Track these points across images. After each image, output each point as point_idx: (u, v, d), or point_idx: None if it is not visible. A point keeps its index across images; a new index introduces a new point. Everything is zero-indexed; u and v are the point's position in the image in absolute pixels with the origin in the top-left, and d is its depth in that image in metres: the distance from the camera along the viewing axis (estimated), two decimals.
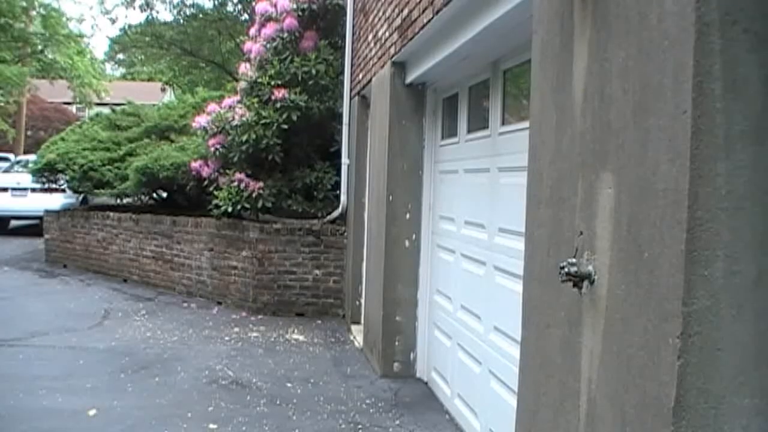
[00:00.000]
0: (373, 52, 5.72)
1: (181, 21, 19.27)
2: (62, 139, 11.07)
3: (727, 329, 1.44)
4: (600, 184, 1.81)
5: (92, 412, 4.14)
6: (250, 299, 7.25)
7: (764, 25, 1.43)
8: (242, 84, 7.81)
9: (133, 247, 8.96)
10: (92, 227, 9.73)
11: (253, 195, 7.04)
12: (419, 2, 4.08)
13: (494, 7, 3.07)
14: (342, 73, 7.05)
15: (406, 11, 4.47)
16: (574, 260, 1.89)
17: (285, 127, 7.02)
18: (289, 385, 4.85)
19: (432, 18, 3.79)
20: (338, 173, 7.11)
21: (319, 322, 6.92)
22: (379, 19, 5.44)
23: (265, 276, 7.19)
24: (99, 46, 73.12)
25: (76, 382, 4.72)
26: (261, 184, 7.11)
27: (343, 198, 7.01)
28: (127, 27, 20.42)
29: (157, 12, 25.31)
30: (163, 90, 25.28)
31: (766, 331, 1.45)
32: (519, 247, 2.67)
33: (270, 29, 7.37)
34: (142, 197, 10.16)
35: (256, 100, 7.26)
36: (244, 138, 7.04)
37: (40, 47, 23.63)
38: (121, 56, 26.49)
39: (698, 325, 1.43)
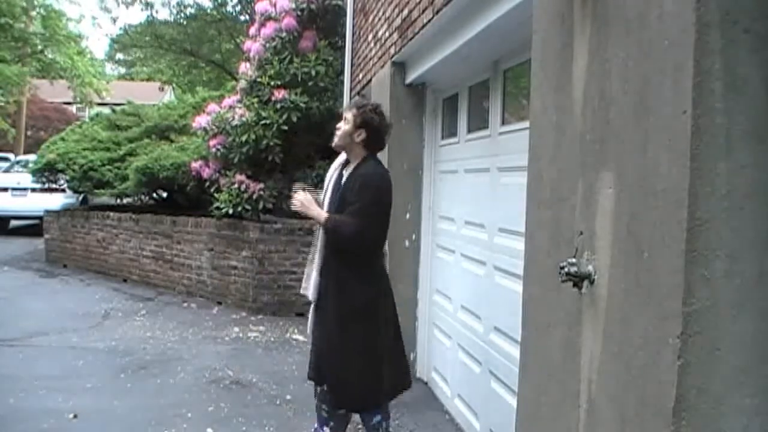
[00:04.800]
0: (373, 52, 5.71)
1: (182, 21, 19.31)
2: (62, 139, 11.08)
3: (727, 329, 1.43)
4: (600, 184, 1.81)
5: (90, 413, 4.15)
6: (250, 299, 7.25)
7: (764, 25, 1.43)
8: (242, 83, 7.80)
9: (133, 247, 8.95)
10: (92, 227, 9.72)
11: (254, 196, 7.04)
12: (419, 2, 4.08)
13: (494, 7, 3.06)
14: (342, 73, 7.04)
15: (406, 11, 4.47)
16: (574, 260, 1.88)
17: (285, 128, 7.02)
18: (289, 385, 4.85)
19: (432, 18, 3.79)
20: None
21: None
22: (379, 19, 5.44)
23: (265, 276, 7.19)
24: (99, 47, 73.13)
25: (76, 382, 4.72)
26: (261, 185, 7.10)
27: None
28: (127, 27, 20.47)
29: (157, 12, 25.32)
30: (162, 89, 25.25)
31: (767, 331, 1.45)
32: (519, 247, 2.67)
33: (269, 29, 7.37)
34: (142, 197, 10.17)
35: (255, 100, 7.26)
36: (244, 139, 7.04)
37: (40, 47, 23.61)
38: (121, 56, 26.52)
39: (698, 325, 1.43)
